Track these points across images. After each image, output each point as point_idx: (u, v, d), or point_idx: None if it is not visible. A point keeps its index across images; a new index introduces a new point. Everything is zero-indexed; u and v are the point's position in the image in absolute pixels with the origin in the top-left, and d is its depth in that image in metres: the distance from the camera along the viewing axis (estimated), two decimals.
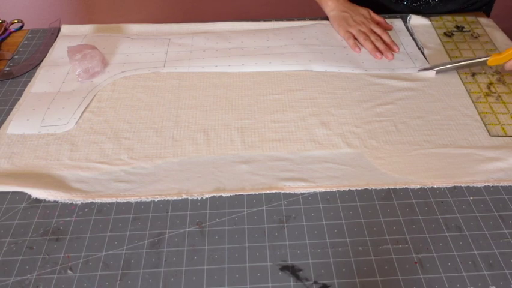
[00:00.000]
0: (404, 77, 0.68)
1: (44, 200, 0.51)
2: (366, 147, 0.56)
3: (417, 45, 0.75)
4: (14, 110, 0.63)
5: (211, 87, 0.67)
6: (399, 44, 0.74)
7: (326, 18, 0.81)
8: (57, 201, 0.51)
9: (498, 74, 0.68)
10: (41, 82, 0.67)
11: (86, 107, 0.63)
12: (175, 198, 0.51)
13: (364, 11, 0.79)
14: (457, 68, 0.68)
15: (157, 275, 0.44)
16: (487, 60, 0.65)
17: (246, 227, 0.48)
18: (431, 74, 0.68)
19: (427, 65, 0.70)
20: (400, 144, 0.57)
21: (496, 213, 0.49)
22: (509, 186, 0.52)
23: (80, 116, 0.61)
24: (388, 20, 0.80)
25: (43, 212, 0.50)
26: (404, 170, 0.53)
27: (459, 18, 0.81)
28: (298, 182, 0.52)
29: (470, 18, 0.81)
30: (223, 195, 0.51)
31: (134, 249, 0.46)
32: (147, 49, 0.74)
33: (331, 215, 0.49)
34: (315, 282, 0.43)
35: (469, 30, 0.78)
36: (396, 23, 0.80)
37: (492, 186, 0.52)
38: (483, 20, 0.80)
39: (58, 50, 0.74)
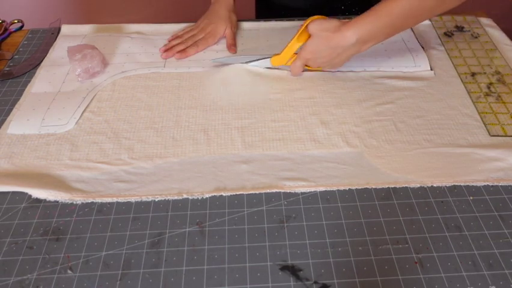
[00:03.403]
0: (404, 76, 0.68)
1: (44, 200, 0.51)
2: (366, 147, 0.56)
3: (419, 43, 0.74)
4: (14, 110, 0.63)
5: (211, 87, 0.66)
6: (400, 40, 0.74)
7: None
8: (57, 201, 0.51)
9: (498, 74, 0.68)
10: (41, 82, 0.67)
11: (86, 107, 0.63)
12: (175, 198, 0.51)
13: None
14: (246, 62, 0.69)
15: (157, 275, 0.44)
16: (270, 59, 0.67)
17: (246, 226, 0.48)
18: (430, 73, 0.68)
19: (427, 63, 0.69)
20: (400, 143, 0.57)
21: (496, 213, 0.49)
22: (509, 186, 0.52)
23: (80, 116, 0.61)
24: None
25: (43, 212, 0.50)
26: (403, 169, 0.53)
27: (459, 18, 0.81)
28: (298, 182, 0.52)
29: (470, 18, 0.81)
30: (224, 194, 0.51)
31: (134, 249, 0.46)
32: (147, 49, 0.74)
33: (331, 215, 0.49)
34: (315, 282, 0.43)
35: (469, 30, 0.78)
36: None
37: (492, 186, 0.52)
38: (483, 20, 0.80)
39: (58, 50, 0.74)
